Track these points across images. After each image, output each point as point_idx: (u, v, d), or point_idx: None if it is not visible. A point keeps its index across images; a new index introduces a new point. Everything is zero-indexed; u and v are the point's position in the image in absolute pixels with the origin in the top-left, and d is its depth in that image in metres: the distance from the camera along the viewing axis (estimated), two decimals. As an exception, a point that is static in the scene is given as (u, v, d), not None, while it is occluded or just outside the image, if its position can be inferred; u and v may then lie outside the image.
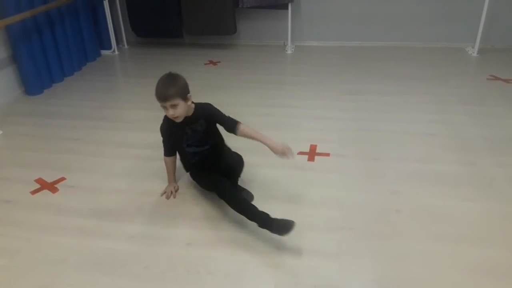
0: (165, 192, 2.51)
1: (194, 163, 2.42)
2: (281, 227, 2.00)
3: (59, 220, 2.33)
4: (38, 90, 4.00)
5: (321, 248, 2.07)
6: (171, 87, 2.11)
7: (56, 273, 1.98)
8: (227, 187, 2.25)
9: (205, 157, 2.37)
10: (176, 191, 2.52)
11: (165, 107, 2.15)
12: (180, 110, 2.15)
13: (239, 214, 2.17)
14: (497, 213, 2.27)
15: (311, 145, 2.94)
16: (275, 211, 2.29)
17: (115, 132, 3.25)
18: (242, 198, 2.26)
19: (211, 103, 2.35)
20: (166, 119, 2.29)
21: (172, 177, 2.53)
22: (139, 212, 2.37)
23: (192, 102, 2.27)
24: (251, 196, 2.41)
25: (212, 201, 2.40)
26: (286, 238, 2.08)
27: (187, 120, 2.25)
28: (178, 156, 2.49)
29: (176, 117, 2.17)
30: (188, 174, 2.54)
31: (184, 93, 2.16)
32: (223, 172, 2.34)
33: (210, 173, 2.35)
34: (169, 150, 2.44)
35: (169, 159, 2.47)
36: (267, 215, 2.07)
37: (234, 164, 2.39)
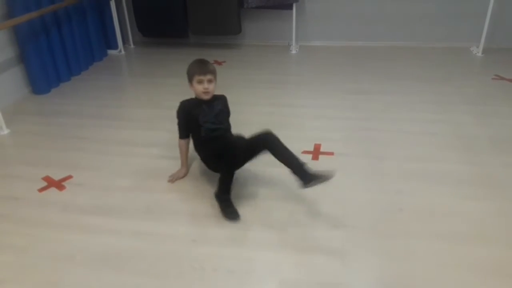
0: (172, 175, 2.60)
1: (206, 139, 2.44)
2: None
3: (66, 217, 2.35)
4: (46, 89, 4.03)
5: (325, 246, 2.08)
6: (210, 65, 2.45)
7: (63, 270, 2.00)
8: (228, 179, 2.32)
9: (219, 138, 2.43)
10: (182, 177, 2.60)
11: (202, 81, 2.38)
12: (213, 87, 2.43)
13: (230, 212, 2.29)
14: (501, 212, 2.28)
15: (315, 144, 2.96)
16: (280, 209, 2.32)
17: (121, 131, 3.28)
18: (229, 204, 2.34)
19: None
20: (185, 102, 2.49)
21: (185, 160, 2.63)
22: (145, 209, 2.40)
23: None
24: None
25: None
26: (291, 237, 2.12)
27: (206, 100, 2.44)
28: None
29: (208, 92, 2.41)
30: (192, 172, 2.57)
31: (216, 74, 2.46)
32: (258, 150, 2.38)
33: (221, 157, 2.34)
34: (184, 132, 2.53)
35: (183, 141, 2.56)
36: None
37: (264, 140, 2.37)
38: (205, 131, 2.41)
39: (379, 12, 4.90)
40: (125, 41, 5.28)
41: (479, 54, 4.64)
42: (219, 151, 2.33)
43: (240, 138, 2.51)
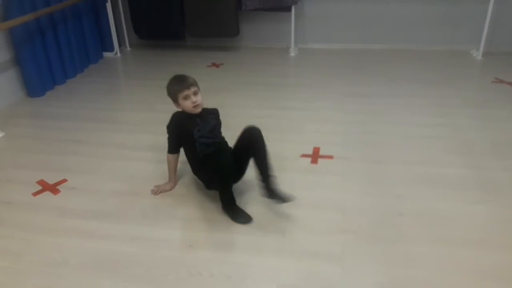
0: (157, 186, 2.54)
1: (203, 158, 2.35)
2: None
3: (60, 222, 2.32)
4: (41, 92, 4.00)
5: (324, 251, 2.05)
6: (189, 78, 2.34)
7: (58, 275, 1.97)
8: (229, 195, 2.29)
9: (216, 152, 2.35)
10: (169, 190, 2.54)
11: (188, 96, 2.28)
12: (200, 98, 2.31)
13: (240, 216, 2.25)
14: (502, 216, 2.25)
15: (315, 148, 2.93)
16: (279, 213, 2.29)
17: (117, 134, 3.24)
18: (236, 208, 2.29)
19: None
20: (177, 114, 2.40)
21: (173, 175, 2.55)
22: (141, 214, 2.36)
23: None
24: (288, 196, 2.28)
25: (214, 203, 2.38)
26: (289, 242, 2.09)
27: (199, 114, 2.34)
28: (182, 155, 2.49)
29: (198, 105, 2.30)
30: (189, 176, 2.53)
31: (198, 85, 2.35)
32: (242, 149, 2.33)
33: (221, 170, 2.26)
34: (174, 147, 2.45)
35: (172, 156, 2.48)
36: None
37: (249, 134, 2.32)
38: (200, 146, 2.33)
39: (378, 14, 4.89)
40: (121, 43, 5.25)
41: (479, 57, 4.63)
42: (218, 169, 2.23)
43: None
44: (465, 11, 4.71)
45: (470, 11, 4.69)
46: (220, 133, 2.46)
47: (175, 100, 2.33)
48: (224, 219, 2.27)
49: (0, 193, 2.59)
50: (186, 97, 2.28)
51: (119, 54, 5.13)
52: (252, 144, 2.29)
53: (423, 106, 3.53)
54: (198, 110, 2.32)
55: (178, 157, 2.48)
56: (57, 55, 4.18)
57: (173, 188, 2.55)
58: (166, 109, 2.48)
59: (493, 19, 4.46)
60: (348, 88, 3.95)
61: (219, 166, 2.21)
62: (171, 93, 2.34)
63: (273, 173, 2.26)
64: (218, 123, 2.44)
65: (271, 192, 2.22)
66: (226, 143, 2.47)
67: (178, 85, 2.30)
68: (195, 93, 2.29)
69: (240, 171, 2.38)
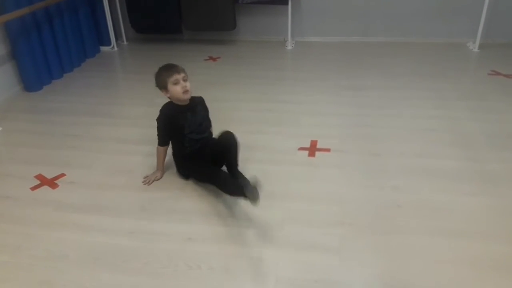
0: (147, 177, 2.57)
1: (189, 153, 2.43)
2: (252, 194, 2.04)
3: (59, 216, 2.32)
4: (37, 87, 3.98)
5: (321, 243, 2.06)
6: (178, 65, 2.37)
7: (57, 269, 1.97)
8: (221, 173, 2.31)
9: (203, 147, 2.41)
10: (158, 179, 2.57)
11: (178, 81, 2.30)
12: (189, 85, 2.34)
13: (238, 207, 2.25)
14: (498, 208, 2.27)
15: (312, 141, 2.93)
16: (276, 206, 2.30)
17: (114, 128, 3.24)
18: (233, 180, 2.24)
19: None
20: (167, 107, 2.42)
21: (161, 165, 2.58)
22: (139, 207, 2.37)
23: None
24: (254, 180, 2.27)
25: (212, 196, 2.39)
26: (287, 234, 2.10)
27: (188, 105, 2.37)
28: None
29: (187, 90, 2.33)
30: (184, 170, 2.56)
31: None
32: (217, 154, 2.36)
33: (205, 164, 2.39)
34: (164, 140, 2.49)
35: (162, 148, 2.52)
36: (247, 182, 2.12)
37: (226, 140, 2.33)
38: (189, 141, 2.38)
39: (375, 7, 4.88)
40: (118, 37, 5.23)
41: (476, 50, 4.63)
42: (204, 160, 2.36)
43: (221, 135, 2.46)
44: (462, 3, 4.70)
45: (467, 3, 4.68)
46: (209, 125, 2.50)
47: (164, 86, 2.35)
48: (223, 212, 2.28)
49: (-2, 187, 2.60)
50: (176, 82, 2.31)
51: (116, 48, 5.10)
52: (224, 151, 2.34)
53: (419, 99, 3.53)
54: (188, 96, 2.35)
55: (167, 148, 2.53)
56: (54, 49, 4.15)
57: (162, 176, 2.59)
58: (163, 103, 2.48)
59: (489, 11, 4.46)
60: (345, 81, 3.96)
61: (201, 171, 2.37)
62: (160, 80, 2.36)
63: (242, 176, 2.30)
64: (206, 115, 2.48)
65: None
66: (211, 134, 2.52)
67: (168, 70, 2.33)
68: (184, 79, 2.33)
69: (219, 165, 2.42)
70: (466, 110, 3.31)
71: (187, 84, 2.33)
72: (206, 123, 2.48)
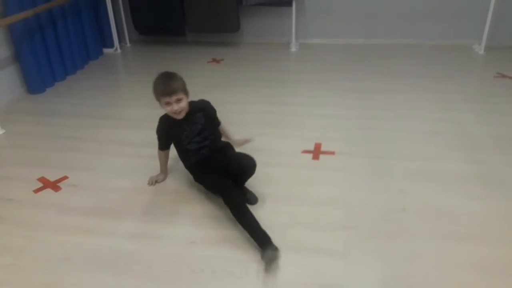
0: (151, 177, 2.56)
1: (196, 163, 2.37)
2: (270, 258, 1.93)
3: (62, 219, 2.31)
4: (41, 89, 3.98)
5: (326, 247, 2.04)
6: (174, 82, 2.18)
7: (59, 272, 1.96)
8: (234, 197, 2.17)
9: (207, 155, 2.34)
10: (161, 181, 2.56)
11: (169, 103, 2.18)
12: (184, 105, 2.20)
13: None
14: (504, 211, 2.24)
15: (316, 144, 2.91)
16: (280, 210, 2.28)
17: (117, 131, 3.23)
18: (248, 212, 2.12)
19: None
20: (164, 119, 2.35)
21: (165, 167, 2.57)
22: (142, 210, 2.35)
23: None
24: (254, 199, 2.34)
25: (215, 200, 2.37)
26: (291, 238, 2.08)
27: (186, 116, 2.27)
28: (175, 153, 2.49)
29: (180, 113, 2.21)
30: (189, 173, 2.52)
31: (185, 88, 2.22)
32: (232, 173, 2.25)
33: (215, 174, 2.28)
34: (164, 145, 2.47)
35: (163, 152, 2.50)
36: (268, 238, 2.00)
37: (247, 166, 2.27)
38: (191, 151, 2.33)
39: (380, 9, 4.86)
40: (121, 39, 5.23)
41: (481, 52, 4.60)
42: (210, 172, 2.29)
43: (227, 149, 2.42)
44: (467, 5, 4.67)
45: (472, 5, 4.65)
46: (213, 131, 2.39)
47: (158, 100, 2.24)
48: (225, 216, 2.26)
49: (1, 190, 2.59)
50: (167, 104, 2.18)
51: (119, 50, 5.10)
52: (241, 175, 2.30)
53: (424, 101, 3.51)
54: (180, 116, 2.24)
55: (168, 152, 2.51)
56: (57, 52, 4.15)
57: (166, 178, 2.59)
58: (167, 105, 2.47)
59: (495, 13, 4.43)
60: (350, 83, 3.93)
61: (211, 183, 2.32)
62: (155, 93, 2.23)
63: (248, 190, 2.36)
64: (207, 121, 2.34)
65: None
66: (218, 139, 2.43)
67: (162, 88, 2.17)
68: (177, 101, 2.17)
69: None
70: (472, 112, 3.28)
71: (181, 105, 2.18)
72: (208, 130, 2.35)
